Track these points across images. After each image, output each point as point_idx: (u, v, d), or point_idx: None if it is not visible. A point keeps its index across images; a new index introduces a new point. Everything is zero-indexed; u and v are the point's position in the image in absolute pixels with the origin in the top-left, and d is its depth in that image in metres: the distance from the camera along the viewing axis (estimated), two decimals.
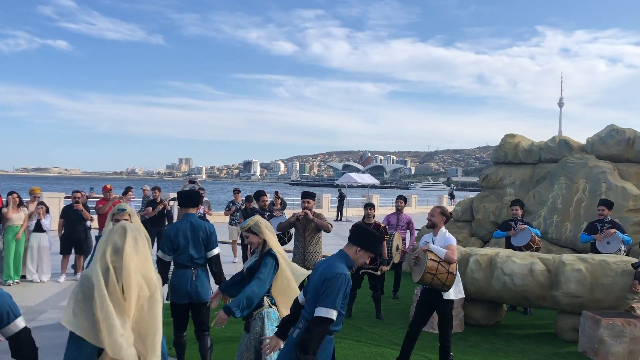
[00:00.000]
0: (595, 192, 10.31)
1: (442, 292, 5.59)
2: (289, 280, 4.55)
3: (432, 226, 5.76)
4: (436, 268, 5.36)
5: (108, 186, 10.52)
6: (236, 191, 13.40)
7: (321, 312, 3.40)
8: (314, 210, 7.43)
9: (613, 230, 7.92)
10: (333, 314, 3.41)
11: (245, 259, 11.78)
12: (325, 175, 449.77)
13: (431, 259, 5.39)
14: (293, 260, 7.23)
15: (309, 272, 4.48)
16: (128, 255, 2.60)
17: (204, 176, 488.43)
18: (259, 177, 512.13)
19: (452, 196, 46.22)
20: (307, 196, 7.36)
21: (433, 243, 5.69)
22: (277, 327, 3.92)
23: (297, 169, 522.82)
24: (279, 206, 13.11)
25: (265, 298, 4.45)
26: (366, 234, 3.63)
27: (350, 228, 3.97)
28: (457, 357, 6.48)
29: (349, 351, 6.63)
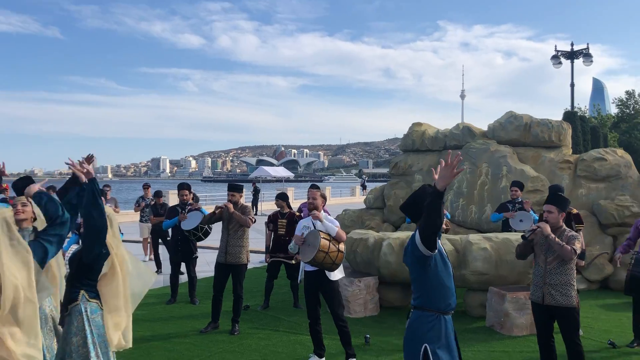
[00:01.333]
0: (497, 175, 10.86)
1: (328, 273, 5.62)
2: (124, 287, 4.07)
3: (315, 208, 5.81)
4: (328, 246, 5.41)
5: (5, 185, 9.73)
6: (146, 186, 12.87)
7: None
8: (245, 203, 7.26)
9: (526, 208, 8.36)
10: None
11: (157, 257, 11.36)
12: (238, 170, 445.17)
13: (324, 237, 5.42)
14: (218, 254, 7.05)
15: (145, 290, 4.21)
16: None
17: (110, 175, 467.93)
18: (169, 174, 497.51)
19: (364, 187, 47.36)
20: (232, 189, 7.20)
21: (314, 227, 5.73)
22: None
23: (209, 165, 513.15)
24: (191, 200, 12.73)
25: (82, 291, 3.89)
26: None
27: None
28: (373, 339, 6.59)
29: (267, 341, 6.56)
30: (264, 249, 8.67)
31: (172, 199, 23.87)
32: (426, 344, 3.33)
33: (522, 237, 5.21)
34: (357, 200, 36.63)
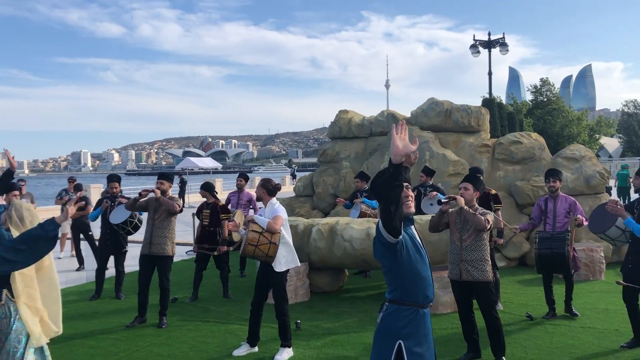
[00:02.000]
0: (420, 160, 11.16)
1: (273, 265, 5.60)
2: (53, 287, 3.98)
3: (259, 199, 5.79)
4: (257, 239, 5.36)
5: None
6: (71, 180, 12.27)
7: None
8: (173, 195, 7.02)
9: (434, 193, 8.66)
10: None
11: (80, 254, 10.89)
12: (164, 163, 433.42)
13: (252, 230, 5.38)
14: (142, 246, 6.81)
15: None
16: None
17: (27, 171, 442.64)
18: (91, 168, 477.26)
19: (294, 176, 47.51)
20: (162, 177, 7.01)
21: (262, 216, 5.73)
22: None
23: (133, 157, 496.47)
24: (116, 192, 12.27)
25: (4, 291, 3.71)
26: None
27: None
28: (304, 324, 6.63)
29: (197, 332, 6.45)
30: (191, 241, 8.50)
31: (94, 193, 22.97)
32: (401, 341, 3.01)
33: (438, 201, 5.42)
34: (287, 189, 36.65)
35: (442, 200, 5.34)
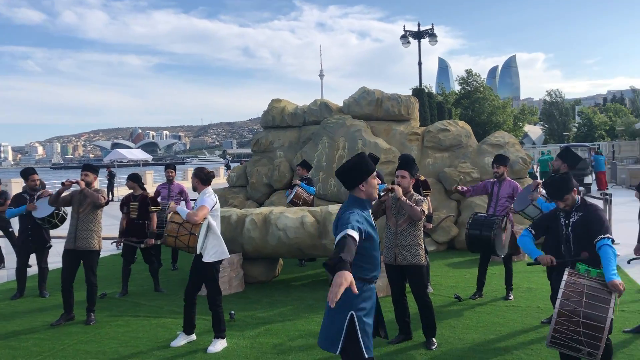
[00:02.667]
0: (353, 148, 11.30)
1: (201, 256, 5.53)
2: None
3: (194, 189, 5.70)
4: (177, 230, 5.30)
5: None
6: None
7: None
8: (98, 188, 6.74)
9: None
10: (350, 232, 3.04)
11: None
12: (92, 155, 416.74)
13: (173, 222, 5.31)
14: (66, 240, 6.51)
15: None
16: None
17: None
18: (12, 162, 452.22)
19: (228, 167, 46.93)
20: (86, 168, 6.73)
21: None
22: None
23: (59, 150, 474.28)
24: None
25: None
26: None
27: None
28: (238, 314, 6.59)
29: (127, 328, 6.27)
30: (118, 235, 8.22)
31: (16, 188, 21.79)
32: (353, 312, 3.26)
33: (378, 195, 5.50)
34: (221, 180, 36.17)
35: (381, 193, 5.40)
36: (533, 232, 4.45)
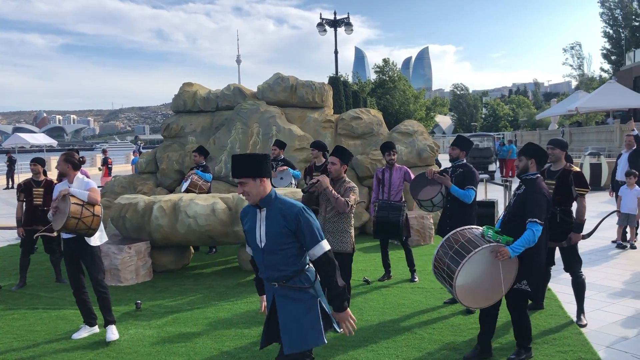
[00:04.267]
0: (267, 135, 11.24)
1: (87, 239, 5.35)
2: None
3: (62, 175, 5.45)
4: (80, 212, 5.09)
5: None
6: None
7: None
8: None
9: (284, 168, 8.76)
10: None
11: None
12: None
13: (74, 203, 5.09)
14: None
15: None
16: None
17: None
18: None
19: (140, 153, 45.31)
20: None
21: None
22: None
23: None
24: None
25: None
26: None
27: None
28: (145, 304, 6.41)
29: (23, 321, 5.93)
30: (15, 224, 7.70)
31: None
32: (319, 298, 3.26)
33: (303, 190, 5.49)
34: (127, 169, 34.89)
35: (309, 190, 5.37)
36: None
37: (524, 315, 4.62)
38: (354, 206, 5.36)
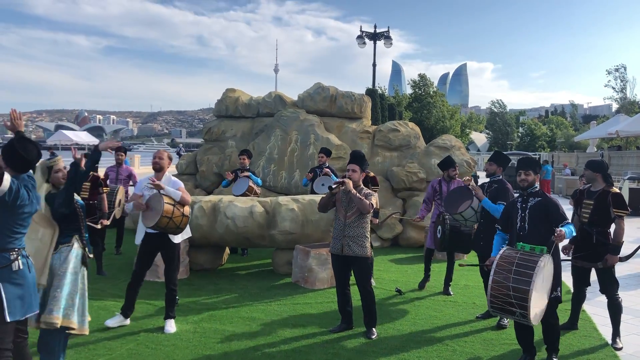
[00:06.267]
0: (305, 142, 11.42)
1: (171, 236, 5.58)
2: None
3: (159, 170, 5.67)
4: (172, 211, 5.31)
5: None
6: None
7: None
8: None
9: (327, 171, 8.90)
10: None
11: None
12: (34, 136, 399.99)
13: (167, 202, 5.30)
14: None
15: None
16: None
17: None
18: None
19: (180, 155, 46.25)
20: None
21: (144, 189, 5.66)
22: None
23: None
24: None
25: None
26: None
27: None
28: (182, 300, 6.59)
29: None
30: None
31: None
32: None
33: (329, 187, 5.65)
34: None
35: (333, 186, 5.55)
36: (501, 227, 5.03)
37: (557, 319, 4.86)
38: (376, 208, 5.59)
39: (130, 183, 9.57)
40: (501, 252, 4.56)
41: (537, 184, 4.89)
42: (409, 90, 51.67)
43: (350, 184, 5.44)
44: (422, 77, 49.11)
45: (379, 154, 11.85)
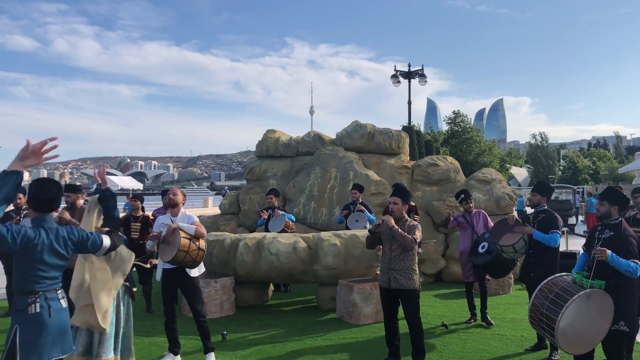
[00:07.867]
0: (345, 179, 11.57)
1: (187, 270, 5.71)
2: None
3: (174, 205, 5.85)
4: (188, 245, 5.46)
5: None
6: None
7: None
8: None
9: (361, 208, 8.98)
10: None
11: None
12: (79, 183, 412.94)
13: (184, 237, 5.46)
14: None
15: None
16: None
17: None
18: None
19: (224, 196, 47.05)
20: (68, 189, 6.63)
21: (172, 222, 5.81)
22: None
23: (45, 177, 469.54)
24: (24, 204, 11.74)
25: None
26: None
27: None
28: (230, 336, 6.70)
29: None
30: None
31: None
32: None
33: (369, 230, 5.71)
34: (209, 211, 36.15)
35: (374, 231, 5.63)
36: (585, 249, 4.98)
37: (622, 356, 4.59)
38: (420, 242, 5.56)
39: None
40: (550, 277, 4.61)
41: (616, 216, 4.73)
42: (444, 127, 51.61)
43: (391, 220, 5.49)
44: (456, 113, 49.06)
45: (418, 188, 11.88)
